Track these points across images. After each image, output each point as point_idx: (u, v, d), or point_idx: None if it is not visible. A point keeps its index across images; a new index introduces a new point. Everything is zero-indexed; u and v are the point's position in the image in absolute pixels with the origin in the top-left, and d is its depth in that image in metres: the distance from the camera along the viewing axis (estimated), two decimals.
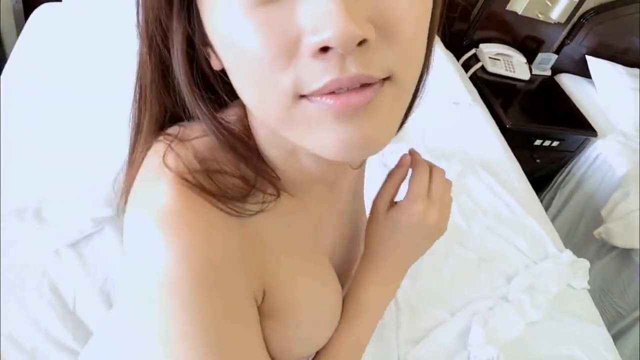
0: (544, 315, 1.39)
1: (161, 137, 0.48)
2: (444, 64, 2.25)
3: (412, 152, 0.67)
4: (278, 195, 0.50)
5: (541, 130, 2.40)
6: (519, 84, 2.63)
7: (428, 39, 0.43)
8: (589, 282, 1.57)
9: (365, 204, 0.77)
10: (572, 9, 2.48)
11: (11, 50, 1.72)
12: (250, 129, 0.50)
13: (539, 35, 2.71)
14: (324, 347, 0.65)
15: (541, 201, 1.97)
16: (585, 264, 1.59)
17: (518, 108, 2.49)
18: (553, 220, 2.27)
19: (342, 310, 0.66)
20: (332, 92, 0.35)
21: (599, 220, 2.26)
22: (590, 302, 1.53)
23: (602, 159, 2.44)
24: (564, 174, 2.62)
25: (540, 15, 2.51)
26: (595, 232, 2.21)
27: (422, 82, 0.52)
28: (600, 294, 2.20)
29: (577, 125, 2.47)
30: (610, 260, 2.24)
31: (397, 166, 0.67)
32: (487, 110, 2.23)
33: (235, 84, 0.42)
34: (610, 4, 2.63)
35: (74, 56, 1.73)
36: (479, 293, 1.42)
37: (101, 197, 1.25)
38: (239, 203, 0.46)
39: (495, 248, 1.58)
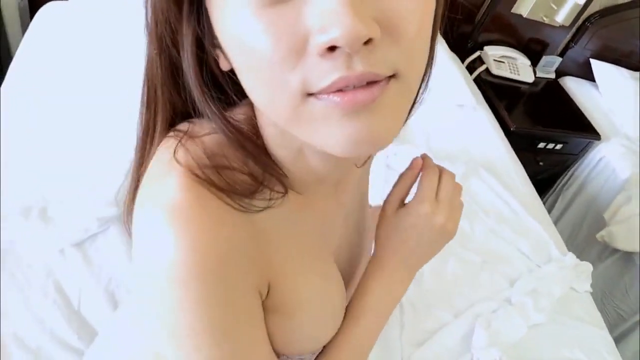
0: (546, 318, 1.40)
1: (171, 133, 0.48)
2: (448, 66, 2.25)
3: (424, 157, 0.68)
4: (285, 193, 0.51)
5: (545, 133, 2.40)
6: (523, 86, 2.63)
7: (431, 37, 0.43)
8: (591, 285, 1.57)
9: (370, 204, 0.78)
10: (577, 12, 2.48)
11: (17, 49, 1.73)
12: (258, 128, 0.51)
13: (543, 38, 2.70)
14: (328, 345, 0.65)
15: (544, 204, 1.97)
16: (588, 267, 1.60)
17: (522, 111, 2.49)
18: (556, 222, 2.27)
19: (348, 310, 0.67)
20: (339, 90, 0.36)
21: (601, 223, 2.26)
22: (592, 305, 1.54)
23: (605, 162, 2.44)
24: (567, 177, 2.62)
25: (545, 18, 2.50)
26: (598, 235, 2.21)
27: (426, 79, 0.52)
28: (602, 297, 2.20)
29: (580, 129, 2.47)
30: (612, 263, 2.24)
31: (408, 169, 0.68)
32: (491, 112, 2.24)
33: (244, 84, 0.42)
34: (615, 8, 2.63)
35: (79, 55, 1.73)
36: (481, 295, 1.42)
37: (107, 196, 1.25)
38: (247, 199, 0.47)
39: (498, 250, 1.58)
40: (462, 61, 2.59)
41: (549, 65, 2.71)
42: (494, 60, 2.58)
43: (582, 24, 2.67)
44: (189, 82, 0.45)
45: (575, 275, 1.55)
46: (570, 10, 2.45)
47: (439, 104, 2.05)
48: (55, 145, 1.41)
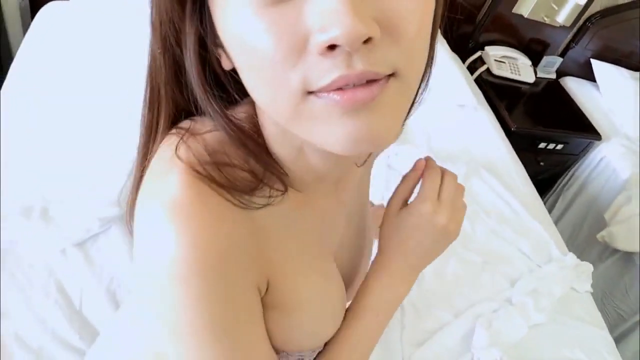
0: (547, 318, 1.40)
1: (173, 131, 0.49)
2: (449, 66, 2.25)
3: (427, 159, 0.68)
4: (285, 191, 0.51)
5: (545, 133, 2.40)
6: (524, 86, 2.63)
7: (431, 37, 0.44)
8: (591, 285, 1.57)
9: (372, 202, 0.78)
10: (578, 12, 2.48)
11: (18, 49, 1.73)
12: (259, 127, 0.51)
13: (544, 38, 2.71)
14: (328, 344, 0.65)
15: (544, 204, 1.97)
16: (588, 267, 1.60)
17: (523, 111, 2.49)
18: (556, 222, 2.27)
19: (349, 309, 0.67)
20: (339, 88, 0.36)
21: (602, 224, 2.26)
22: (593, 305, 1.54)
23: (605, 163, 2.44)
24: (567, 177, 2.62)
25: (546, 19, 2.51)
26: (598, 235, 2.21)
27: (426, 79, 0.53)
28: (602, 297, 2.20)
29: (581, 129, 2.48)
30: (612, 263, 2.25)
31: (412, 170, 0.68)
32: (492, 112, 2.24)
33: (246, 83, 0.43)
34: (616, 8, 2.63)
35: (80, 55, 1.74)
36: (482, 295, 1.43)
37: (108, 196, 1.25)
38: (247, 196, 0.47)
39: (498, 251, 1.58)
40: (463, 61, 2.59)
41: (550, 65, 2.72)
42: (495, 60, 2.58)
43: (583, 25, 2.67)
44: (192, 81, 0.45)
45: (575, 275, 1.55)
46: (571, 10, 2.46)
47: (440, 104, 2.05)
48: (56, 145, 1.41)
